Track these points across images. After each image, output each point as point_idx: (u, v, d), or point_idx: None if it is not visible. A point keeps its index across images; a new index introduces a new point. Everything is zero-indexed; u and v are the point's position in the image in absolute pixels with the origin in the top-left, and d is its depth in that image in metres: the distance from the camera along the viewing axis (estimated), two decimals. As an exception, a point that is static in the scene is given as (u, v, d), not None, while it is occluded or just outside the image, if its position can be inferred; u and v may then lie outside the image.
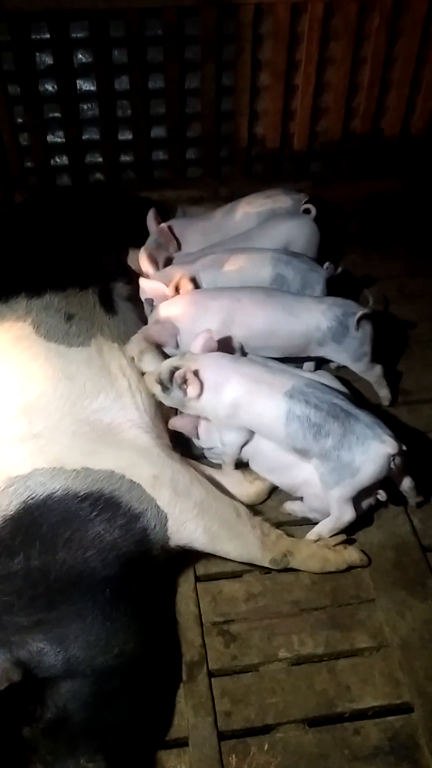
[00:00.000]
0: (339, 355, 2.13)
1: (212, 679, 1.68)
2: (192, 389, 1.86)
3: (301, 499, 1.94)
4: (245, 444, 1.94)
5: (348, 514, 1.81)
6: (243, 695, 1.67)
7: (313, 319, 2.06)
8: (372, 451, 1.72)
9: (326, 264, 2.23)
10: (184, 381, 1.86)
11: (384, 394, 2.25)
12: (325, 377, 2.07)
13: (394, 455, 1.72)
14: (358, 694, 1.67)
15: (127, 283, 2.30)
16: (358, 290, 2.61)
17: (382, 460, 1.73)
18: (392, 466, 1.74)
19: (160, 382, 1.92)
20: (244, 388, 1.86)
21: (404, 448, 1.74)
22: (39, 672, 1.42)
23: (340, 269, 2.27)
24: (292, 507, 1.96)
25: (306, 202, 2.54)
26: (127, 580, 1.59)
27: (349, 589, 1.85)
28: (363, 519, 1.92)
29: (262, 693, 1.67)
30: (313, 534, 1.86)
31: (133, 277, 2.36)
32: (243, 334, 2.06)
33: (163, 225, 2.50)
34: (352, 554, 1.86)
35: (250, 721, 1.63)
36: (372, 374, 2.19)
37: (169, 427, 1.99)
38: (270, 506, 2.01)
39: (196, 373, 1.87)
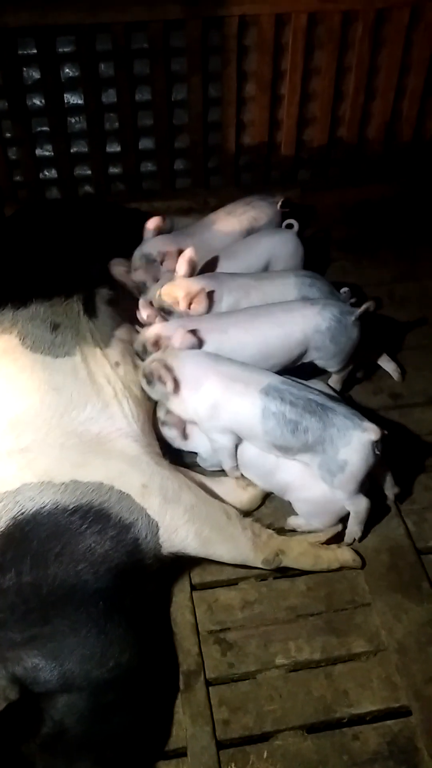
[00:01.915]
0: (331, 359, 2.12)
1: (210, 688, 1.68)
2: (168, 385, 1.88)
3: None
4: (237, 446, 1.95)
5: (362, 504, 1.83)
6: (241, 703, 1.66)
7: (310, 322, 2.04)
8: (355, 441, 1.74)
9: (344, 289, 2.24)
10: (159, 376, 1.89)
11: (335, 383, 2.24)
12: (318, 385, 2.08)
13: (376, 441, 1.73)
14: (356, 699, 1.66)
15: (110, 288, 2.29)
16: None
17: (367, 448, 1.74)
18: (377, 452, 1.76)
19: (144, 376, 1.95)
20: (222, 386, 1.87)
21: (386, 432, 1.75)
22: (35, 687, 1.41)
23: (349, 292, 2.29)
24: (296, 522, 1.95)
25: (282, 206, 2.55)
26: (121, 591, 1.59)
27: (344, 594, 1.85)
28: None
29: (260, 701, 1.66)
30: (348, 538, 1.88)
31: (116, 283, 2.37)
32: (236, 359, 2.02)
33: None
34: (344, 554, 1.87)
35: (249, 729, 1.62)
36: (344, 372, 2.21)
37: (160, 424, 2.00)
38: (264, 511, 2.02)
39: (169, 369, 1.88)
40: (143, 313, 2.16)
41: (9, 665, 1.43)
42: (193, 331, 2.01)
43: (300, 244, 2.46)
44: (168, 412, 2.01)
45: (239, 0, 2.72)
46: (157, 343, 2.05)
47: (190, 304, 2.13)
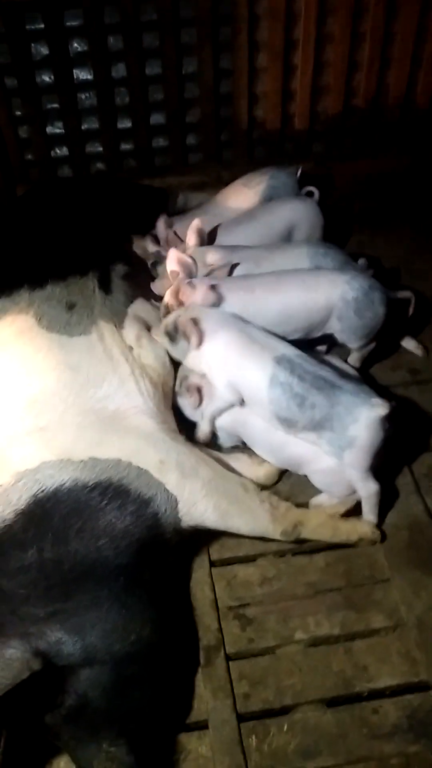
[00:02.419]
0: (353, 333, 2.10)
1: (230, 663, 1.69)
2: (194, 339, 1.90)
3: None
4: (229, 409, 1.95)
5: (373, 486, 1.82)
6: (261, 677, 1.68)
7: (336, 289, 2.03)
8: (363, 418, 1.73)
9: (360, 260, 2.22)
10: (184, 331, 1.92)
11: (356, 365, 2.21)
12: (332, 358, 2.07)
13: (385, 416, 1.72)
14: (375, 673, 1.67)
15: (125, 264, 2.29)
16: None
17: (376, 424, 1.73)
18: (387, 426, 1.74)
19: (167, 333, 1.97)
20: (240, 342, 1.90)
21: (394, 405, 1.74)
22: (58, 661, 1.44)
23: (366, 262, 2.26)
24: (319, 500, 1.94)
25: (306, 183, 2.51)
26: (141, 566, 1.60)
27: (363, 570, 1.86)
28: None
29: (280, 675, 1.68)
30: (366, 525, 1.87)
31: (132, 258, 2.36)
32: (259, 323, 2.02)
33: (170, 231, 2.47)
34: (363, 526, 1.87)
35: (269, 702, 1.64)
36: (365, 350, 2.18)
37: (177, 390, 2.02)
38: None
39: (195, 322, 1.91)
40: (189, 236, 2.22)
41: (33, 639, 1.45)
42: (215, 287, 2.01)
43: (320, 213, 2.44)
44: (184, 381, 2.01)
45: (250, -33, 2.66)
46: (179, 299, 2.06)
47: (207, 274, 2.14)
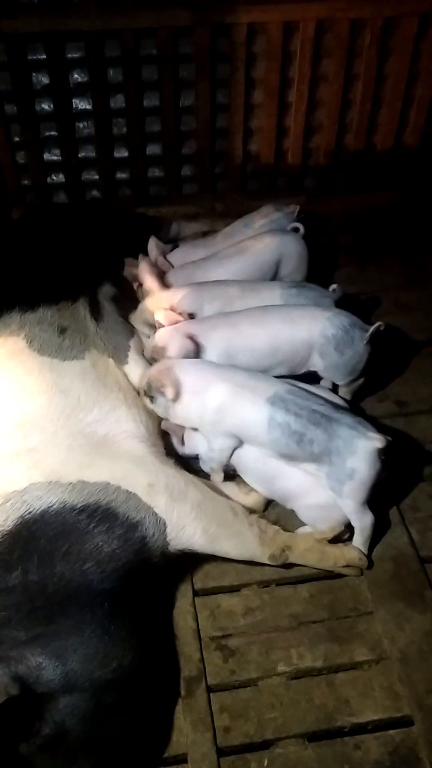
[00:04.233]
0: (335, 369, 2.11)
1: (211, 695, 1.67)
2: (169, 392, 1.89)
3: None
4: (235, 449, 1.95)
5: (368, 518, 1.83)
6: (242, 710, 1.65)
7: (317, 325, 2.05)
8: (361, 450, 1.74)
9: (332, 287, 2.25)
10: (159, 384, 1.90)
11: (345, 394, 2.20)
12: (321, 390, 2.08)
13: (382, 449, 1.73)
14: (357, 707, 1.65)
15: (113, 285, 2.32)
16: (356, 303, 2.65)
17: (373, 457, 1.74)
18: (382, 459, 1.75)
19: (144, 391, 1.95)
20: (229, 392, 1.88)
21: (389, 439, 1.75)
22: (37, 687, 1.41)
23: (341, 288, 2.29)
24: (305, 531, 1.93)
25: (296, 217, 2.57)
26: (126, 591, 1.59)
27: (347, 602, 1.85)
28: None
29: (261, 708, 1.65)
30: (354, 551, 1.86)
31: (120, 280, 2.40)
32: (246, 358, 2.04)
33: (160, 256, 2.52)
34: (351, 552, 1.86)
35: (250, 736, 1.61)
36: (352, 386, 2.19)
37: (162, 427, 2.01)
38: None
39: (169, 377, 1.89)
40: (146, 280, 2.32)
41: (12, 663, 1.43)
42: (191, 337, 2.02)
43: (305, 247, 2.48)
44: (167, 420, 2.01)
45: (248, 7, 2.74)
46: (158, 352, 2.06)
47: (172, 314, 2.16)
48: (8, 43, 2.70)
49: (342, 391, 2.21)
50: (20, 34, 2.68)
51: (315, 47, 2.88)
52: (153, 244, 2.54)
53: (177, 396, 1.90)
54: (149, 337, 2.19)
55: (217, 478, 1.99)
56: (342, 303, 2.27)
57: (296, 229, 2.52)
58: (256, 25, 2.80)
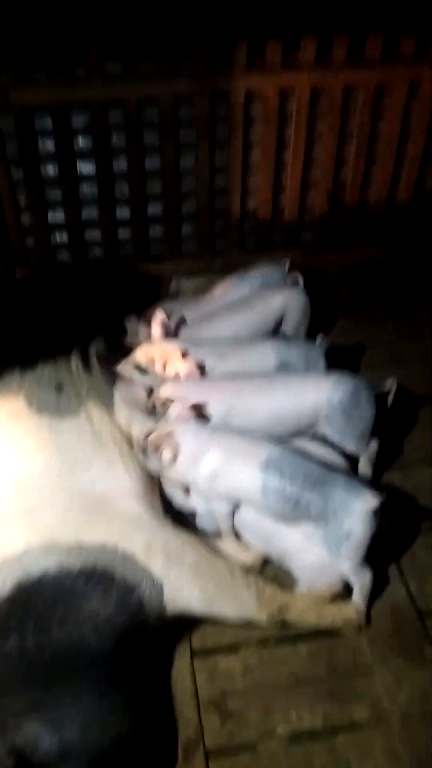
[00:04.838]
0: (344, 433, 2.09)
1: (209, 760, 1.65)
2: (166, 453, 1.91)
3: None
4: (234, 511, 1.97)
5: (366, 576, 1.84)
6: (241, 776, 1.64)
7: (322, 393, 2.05)
8: (357, 511, 1.76)
9: (319, 338, 2.30)
10: (157, 447, 1.92)
11: (368, 470, 2.19)
12: (316, 444, 2.11)
13: (377, 508, 1.75)
14: (357, 771, 1.64)
15: (103, 341, 2.37)
16: (349, 357, 2.70)
17: (368, 517, 1.76)
18: (378, 518, 1.77)
19: (141, 449, 1.98)
20: (221, 459, 1.89)
21: (384, 497, 1.76)
22: (33, 758, 1.41)
23: (328, 339, 2.35)
24: (303, 588, 1.93)
25: (291, 271, 2.65)
26: (123, 656, 1.59)
27: (346, 659, 1.84)
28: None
29: (261, 774, 1.64)
30: (352, 608, 1.86)
31: (112, 333, 2.47)
32: (246, 425, 2.05)
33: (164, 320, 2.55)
34: (348, 610, 1.87)
35: (249, 803, 1.60)
36: (367, 451, 2.17)
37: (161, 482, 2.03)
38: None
39: (168, 440, 1.91)
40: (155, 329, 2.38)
41: (8, 734, 1.43)
42: (193, 407, 2.05)
43: (308, 299, 2.56)
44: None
45: (245, 75, 2.87)
46: (165, 404, 2.10)
47: (164, 364, 2.22)
48: (16, 113, 2.82)
49: (362, 464, 2.18)
50: (30, 106, 2.81)
51: (310, 110, 3.01)
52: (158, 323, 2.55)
53: (174, 460, 1.93)
54: (139, 382, 2.24)
55: (227, 536, 2.00)
56: (330, 353, 2.31)
57: (295, 282, 2.60)
58: (254, 91, 2.92)
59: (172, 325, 2.47)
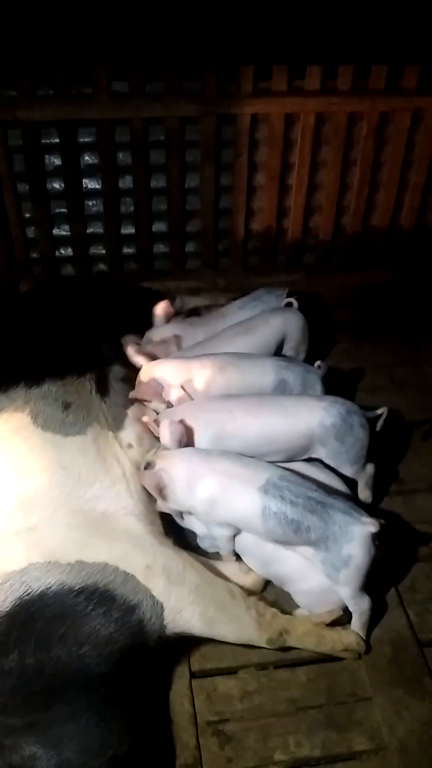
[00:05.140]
0: (338, 457, 2.09)
1: (206, 786, 1.64)
2: (154, 493, 1.91)
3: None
4: (236, 534, 1.95)
5: (365, 603, 1.83)
6: (238, 804, 1.62)
7: (315, 416, 2.05)
8: (356, 536, 1.75)
9: (317, 363, 2.31)
10: (149, 486, 1.91)
11: (366, 496, 2.20)
12: (315, 468, 2.10)
13: (376, 533, 1.74)
14: (356, 801, 1.62)
15: (123, 366, 2.37)
16: (349, 381, 2.71)
17: (367, 542, 1.75)
18: (377, 543, 1.76)
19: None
20: (218, 484, 1.87)
21: (383, 522, 1.76)
22: None
23: (327, 362, 2.36)
24: (302, 612, 1.92)
25: (287, 297, 2.67)
26: (123, 676, 1.57)
27: (345, 687, 1.83)
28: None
29: (259, 802, 1.62)
30: (352, 635, 1.85)
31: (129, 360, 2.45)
32: (238, 445, 2.05)
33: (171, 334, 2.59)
34: (349, 636, 1.85)
35: None
36: (365, 475, 2.17)
37: (156, 509, 2.02)
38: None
39: (157, 479, 1.90)
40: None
41: (6, 753, 1.41)
42: (181, 421, 2.04)
43: (305, 320, 2.57)
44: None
45: (251, 100, 2.91)
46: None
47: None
48: (23, 129, 2.84)
49: (361, 489, 2.18)
50: (36, 122, 2.83)
51: (314, 136, 3.05)
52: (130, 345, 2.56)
53: (162, 494, 1.91)
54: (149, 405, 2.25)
55: (229, 559, 1.99)
56: (328, 377, 2.31)
57: (290, 304, 2.62)
58: (259, 115, 2.96)
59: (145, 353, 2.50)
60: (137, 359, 2.41)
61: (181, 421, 2.04)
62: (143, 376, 2.27)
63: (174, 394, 2.19)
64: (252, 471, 1.88)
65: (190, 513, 1.98)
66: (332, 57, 2.98)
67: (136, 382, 2.29)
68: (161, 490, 1.91)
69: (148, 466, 1.95)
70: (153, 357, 2.42)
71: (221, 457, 1.95)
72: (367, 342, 3.03)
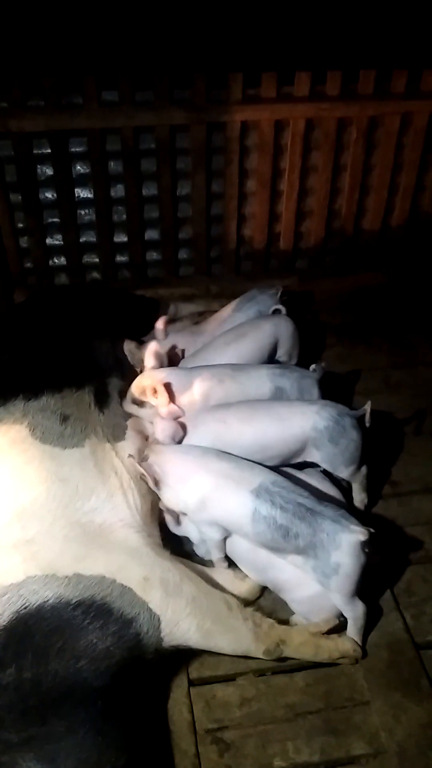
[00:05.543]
0: (333, 459, 2.10)
1: (207, 794, 1.65)
2: (149, 482, 1.93)
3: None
4: (226, 537, 1.96)
5: (359, 609, 1.83)
6: None
7: (307, 420, 2.07)
8: (345, 544, 1.75)
9: (312, 366, 2.32)
10: (144, 477, 1.94)
11: (362, 498, 2.22)
12: (313, 476, 2.11)
13: (364, 541, 1.75)
14: (355, 806, 1.63)
15: (121, 377, 2.38)
16: (344, 384, 2.72)
17: (356, 550, 1.76)
18: (366, 551, 1.77)
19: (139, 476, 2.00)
20: (212, 483, 1.89)
21: (372, 531, 1.77)
22: None
23: (323, 364, 2.37)
24: (299, 619, 1.93)
25: (280, 297, 2.68)
26: (120, 689, 1.58)
27: (343, 691, 1.84)
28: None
29: (258, 809, 1.63)
30: (348, 642, 1.86)
31: (126, 369, 2.45)
32: (233, 452, 2.04)
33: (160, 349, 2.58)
34: (345, 643, 1.86)
35: None
36: (359, 476, 2.19)
37: (160, 505, 2.04)
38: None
39: (149, 467, 1.93)
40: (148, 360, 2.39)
41: (4, 769, 1.41)
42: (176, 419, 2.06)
43: (294, 325, 2.58)
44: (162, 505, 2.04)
45: (241, 107, 2.92)
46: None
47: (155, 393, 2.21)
48: (15, 140, 2.85)
49: (355, 493, 2.21)
50: (26, 133, 2.84)
51: (304, 141, 3.06)
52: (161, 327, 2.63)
53: (157, 485, 1.93)
54: (144, 414, 2.24)
55: (220, 565, 2.00)
56: (324, 381, 2.33)
57: (278, 311, 2.63)
58: (249, 122, 2.97)
59: (165, 353, 2.50)
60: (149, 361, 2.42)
61: (177, 420, 2.05)
62: (144, 380, 2.27)
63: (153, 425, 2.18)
64: (247, 474, 1.90)
65: (184, 513, 1.99)
66: (321, 63, 2.99)
67: (130, 389, 2.29)
68: (156, 483, 1.92)
69: (144, 458, 1.97)
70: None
71: (217, 456, 1.97)
72: (362, 344, 3.05)
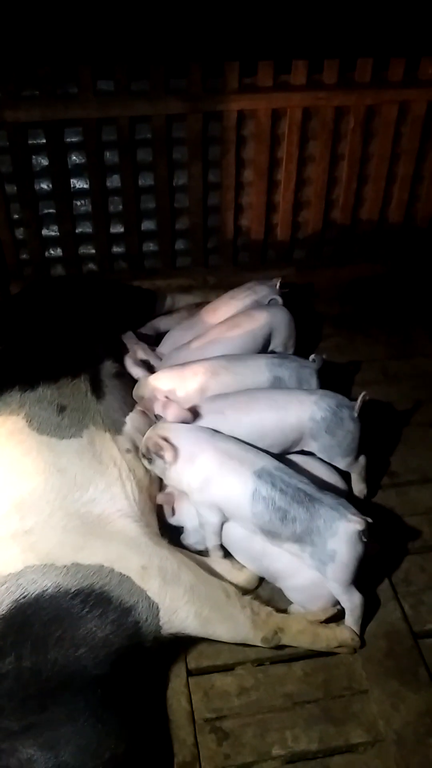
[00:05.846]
0: (330, 450, 2.11)
1: (205, 782, 1.65)
2: (167, 455, 1.93)
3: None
4: (222, 524, 1.96)
5: (356, 598, 1.84)
6: (237, 798, 1.63)
7: (305, 410, 2.07)
8: (341, 532, 1.76)
9: (312, 357, 2.32)
10: (159, 449, 1.94)
11: (361, 488, 2.23)
12: (317, 463, 2.11)
13: (362, 530, 1.75)
14: (354, 793, 1.64)
15: (115, 361, 2.38)
16: (342, 374, 2.72)
17: (353, 538, 1.76)
18: (364, 540, 1.77)
19: (143, 453, 2.00)
20: (217, 461, 1.91)
21: (369, 520, 1.77)
22: None
23: (324, 356, 2.36)
24: (297, 608, 1.94)
25: (281, 287, 2.68)
26: (119, 677, 1.58)
27: (341, 680, 1.84)
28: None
29: (257, 796, 1.63)
30: (346, 631, 1.86)
31: (121, 354, 2.46)
32: None
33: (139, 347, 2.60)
34: (343, 632, 1.86)
35: None
36: (357, 466, 2.19)
37: (157, 501, 2.05)
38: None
39: (166, 440, 1.94)
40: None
41: (3, 757, 1.42)
42: (190, 409, 2.07)
43: (291, 316, 2.58)
44: (163, 494, 2.05)
45: (237, 96, 2.90)
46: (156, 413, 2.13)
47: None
48: (10, 130, 2.83)
49: (355, 482, 2.21)
50: (22, 123, 2.82)
51: (302, 131, 3.04)
52: (132, 344, 2.60)
53: (175, 459, 1.94)
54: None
55: (215, 554, 2.00)
56: (323, 371, 2.33)
57: (274, 301, 2.62)
58: (245, 111, 2.95)
59: (147, 353, 2.53)
60: (135, 371, 2.44)
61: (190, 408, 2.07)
62: (142, 390, 2.27)
63: (163, 407, 2.17)
64: (251, 455, 1.93)
65: (184, 493, 1.99)
66: (317, 51, 2.97)
67: (134, 393, 2.29)
68: (170, 455, 1.94)
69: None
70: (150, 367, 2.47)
71: (226, 439, 2.00)
72: (360, 335, 3.04)
